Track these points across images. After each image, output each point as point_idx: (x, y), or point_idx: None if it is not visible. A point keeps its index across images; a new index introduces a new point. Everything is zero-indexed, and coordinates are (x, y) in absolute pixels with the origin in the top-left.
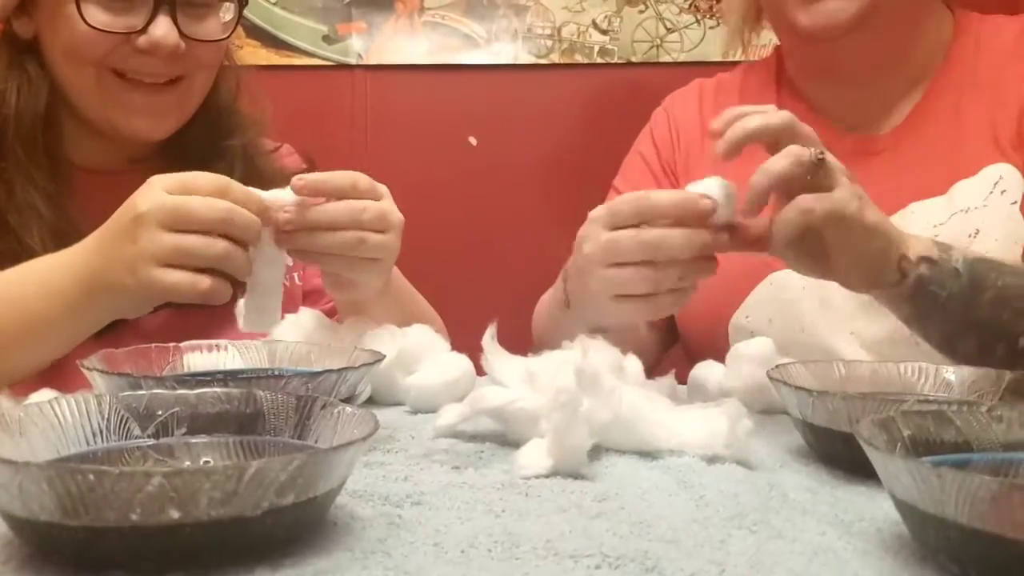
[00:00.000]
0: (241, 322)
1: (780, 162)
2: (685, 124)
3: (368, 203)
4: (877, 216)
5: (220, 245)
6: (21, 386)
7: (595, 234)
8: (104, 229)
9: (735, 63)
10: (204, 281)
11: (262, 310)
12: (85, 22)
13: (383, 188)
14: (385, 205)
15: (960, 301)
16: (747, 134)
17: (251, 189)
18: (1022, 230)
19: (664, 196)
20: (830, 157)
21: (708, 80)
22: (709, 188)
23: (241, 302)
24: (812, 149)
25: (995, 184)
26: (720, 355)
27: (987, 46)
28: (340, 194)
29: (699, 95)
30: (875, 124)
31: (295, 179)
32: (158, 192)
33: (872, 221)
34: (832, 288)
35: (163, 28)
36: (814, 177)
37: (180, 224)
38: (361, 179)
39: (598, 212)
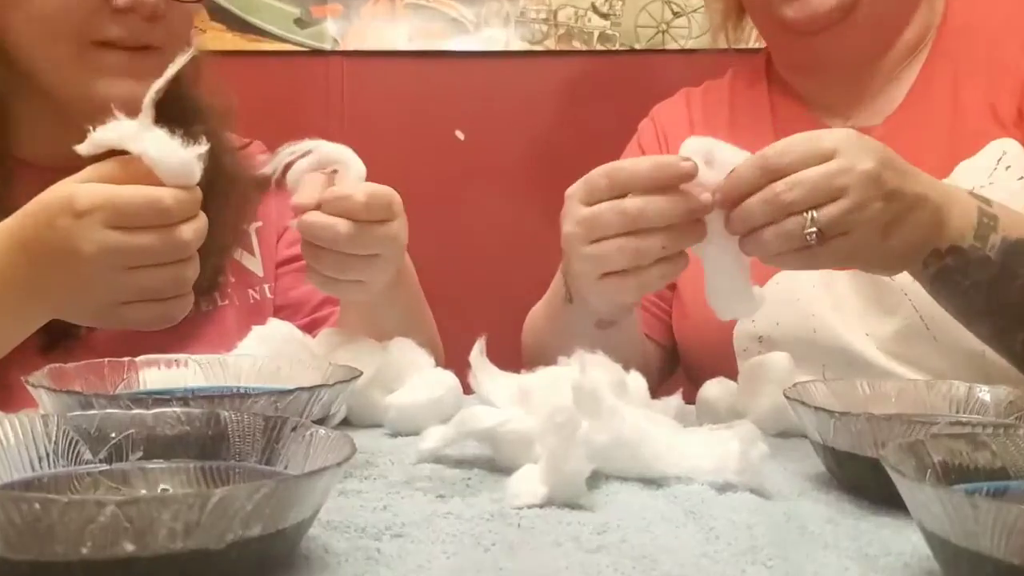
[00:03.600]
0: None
1: (775, 244)
2: (673, 132)
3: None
4: (903, 235)
5: (177, 273)
6: None
7: (574, 211)
8: (34, 254)
9: (746, 50)
10: (173, 310)
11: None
12: None
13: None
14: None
15: (984, 288)
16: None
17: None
18: None
19: (641, 163)
20: (860, 166)
21: (695, 89)
22: (689, 149)
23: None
24: (809, 230)
25: (999, 160)
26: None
27: (981, 23)
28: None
29: (687, 103)
30: (869, 113)
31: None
32: (100, 231)
33: (895, 245)
34: (843, 286)
35: None
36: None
37: (135, 263)
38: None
39: (574, 188)
